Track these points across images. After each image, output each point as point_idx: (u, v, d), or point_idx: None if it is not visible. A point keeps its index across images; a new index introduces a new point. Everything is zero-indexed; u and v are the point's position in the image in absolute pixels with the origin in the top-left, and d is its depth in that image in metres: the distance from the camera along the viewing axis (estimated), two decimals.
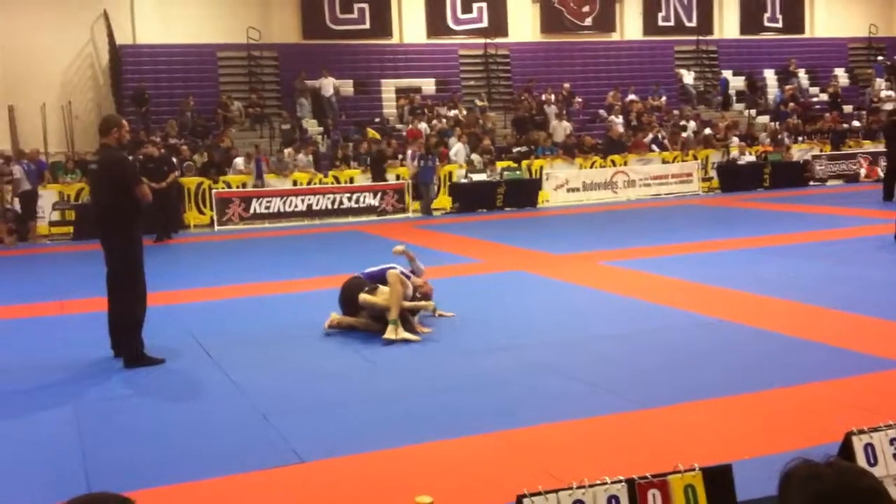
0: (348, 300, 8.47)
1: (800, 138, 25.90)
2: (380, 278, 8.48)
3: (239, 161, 20.86)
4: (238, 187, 20.33)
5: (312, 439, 5.41)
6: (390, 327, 7.94)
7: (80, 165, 19.81)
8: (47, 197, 19.01)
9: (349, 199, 20.58)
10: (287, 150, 21.52)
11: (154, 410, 6.31)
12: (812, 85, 29.90)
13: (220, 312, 9.79)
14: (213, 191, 19.73)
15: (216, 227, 19.33)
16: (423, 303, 8.64)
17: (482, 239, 15.59)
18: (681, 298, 9.38)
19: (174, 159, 19.43)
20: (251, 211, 19.82)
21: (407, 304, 8.30)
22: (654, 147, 24.18)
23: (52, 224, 18.80)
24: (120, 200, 7.55)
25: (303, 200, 20.30)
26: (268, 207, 19.99)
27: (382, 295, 8.19)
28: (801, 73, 29.94)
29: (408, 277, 8.58)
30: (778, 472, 1.87)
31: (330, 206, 20.38)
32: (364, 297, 8.26)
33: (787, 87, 28.56)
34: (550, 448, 5.14)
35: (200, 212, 19.99)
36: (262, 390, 6.56)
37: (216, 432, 5.70)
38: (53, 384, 7.02)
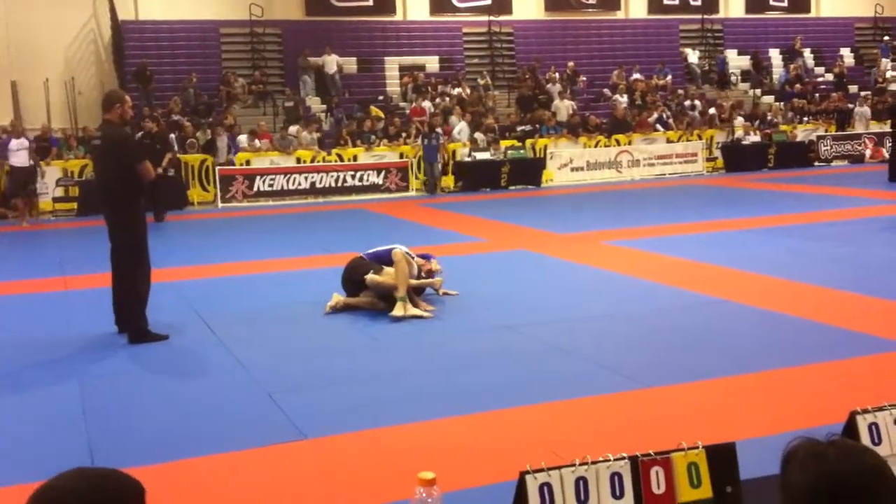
0: (352, 281, 8.46)
1: (805, 118, 25.81)
2: (385, 259, 8.47)
3: (243, 138, 20.82)
4: (241, 164, 20.30)
5: (316, 416, 5.43)
6: (399, 304, 7.95)
7: (83, 142, 19.79)
8: (51, 173, 19.00)
9: (353, 176, 20.57)
10: (293, 128, 21.47)
11: (158, 387, 6.33)
12: (817, 65, 29.75)
13: (225, 289, 9.81)
14: (217, 168, 19.72)
15: (220, 205, 19.33)
16: (429, 280, 8.66)
17: (486, 218, 15.59)
18: (685, 278, 9.37)
19: (173, 136, 19.40)
20: (255, 188, 19.81)
21: (413, 282, 8.31)
22: (658, 126, 24.10)
23: (55, 200, 18.80)
24: (123, 177, 7.54)
25: (306, 178, 20.28)
26: (271, 185, 19.98)
27: (388, 275, 8.19)
28: (807, 53, 29.78)
29: (412, 257, 8.59)
30: (781, 451, 1.87)
31: (333, 184, 20.37)
32: (371, 277, 8.25)
33: (792, 65, 28.42)
34: (554, 426, 5.16)
35: (204, 189, 19.98)
36: (265, 367, 6.58)
37: (220, 409, 5.72)
38: (57, 360, 7.05)
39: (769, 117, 25.16)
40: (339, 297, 8.45)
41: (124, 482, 1.70)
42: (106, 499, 1.63)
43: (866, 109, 25.32)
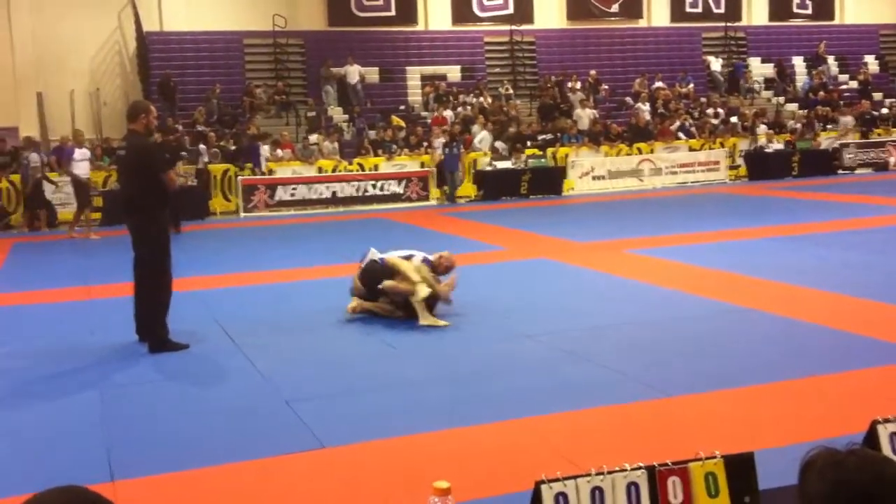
0: (368, 285, 8.47)
1: (828, 126, 25.61)
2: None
3: (265, 149, 20.89)
4: (264, 174, 20.38)
5: (334, 425, 5.42)
6: (420, 301, 8.00)
7: (108, 152, 19.93)
8: None
9: (374, 186, 20.60)
10: (313, 136, 21.56)
11: (178, 395, 6.35)
12: (842, 72, 29.53)
13: (245, 298, 9.83)
14: (239, 178, 19.82)
15: (242, 214, 19.42)
16: (445, 283, 8.56)
17: (506, 226, 15.55)
18: (707, 287, 9.30)
19: (203, 146, 19.52)
20: (276, 198, 19.89)
21: (429, 276, 8.29)
22: (680, 135, 23.99)
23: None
24: (147, 186, 7.57)
25: (328, 187, 20.34)
26: (293, 194, 20.05)
27: (405, 281, 8.19)
28: (831, 60, 29.56)
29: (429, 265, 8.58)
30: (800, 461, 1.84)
31: (354, 194, 20.42)
32: (388, 283, 8.26)
33: (815, 72, 28.22)
34: (571, 436, 5.12)
35: (226, 199, 20.09)
36: (284, 375, 6.58)
37: (239, 417, 5.73)
38: (78, 368, 7.08)
39: (811, 125, 24.95)
40: (358, 301, 8.45)
41: None
42: None
43: (849, 119, 25.01)
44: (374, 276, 8.43)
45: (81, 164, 16.67)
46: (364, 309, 8.42)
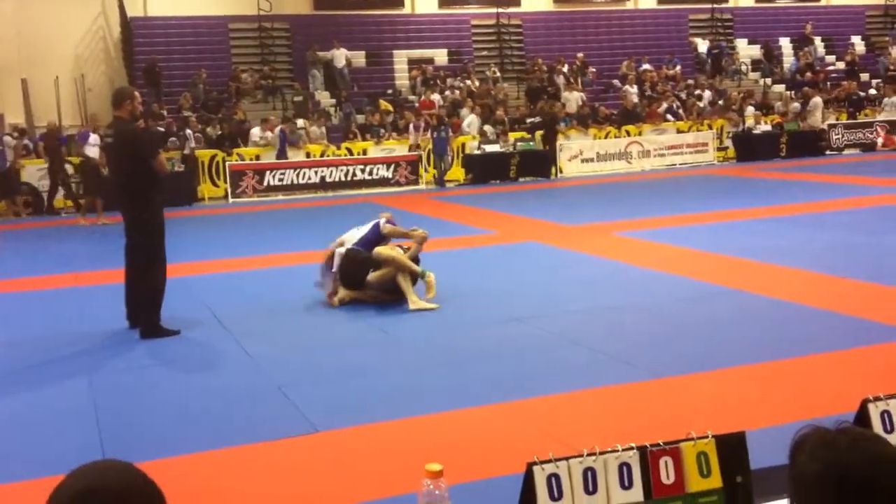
0: (352, 276, 8.44)
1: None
2: (376, 241, 8.54)
3: (255, 131, 20.72)
4: (252, 159, 20.32)
5: (326, 409, 5.44)
6: (410, 291, 8.07)
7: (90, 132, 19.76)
8: None
9: (362, 170, 20.54)
10: (300, 121, 21.45)
11: (169, 381, 6.35)
12: (828, 53, 29.55)
13: (235, 284, 9.82)
14: (227, 163, 19.75)
15: (230, 200, 19.36)
16: (415, 238, 8.67)
17: (495, 210, 15.56)
18: (695, 268, 9.33)
19: (189, 131, 19.40)
20: (265, 183, 19.83)
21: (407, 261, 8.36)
22: (668, 117, 23.99)
23: (67, 197, 18.84)
24: (138, 172, 7.54)
25: (316, 172, 20.28)
26: (281, 180, 19.99)
27: (387, 268, 8.20)
28: (818, 41, 29.58)
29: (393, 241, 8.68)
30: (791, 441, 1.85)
31: (343, 178, 20.36)
32: (372, 276, 8.31)
33: (802, 53, 28.21)
34: (562, 418, 5.14)
35: (214, 184, 20.02)
36: (276, 361, 6.58)
37: (231, 403, 5.73)
38: (69, 355, 7.07)
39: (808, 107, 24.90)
40: (343, 292, 8.45)
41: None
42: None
43: (818, 100, 24.94)
44: (357, 271, 8.41)
45: (93, 149, 16.51)
46: (352, 298, 8.42)
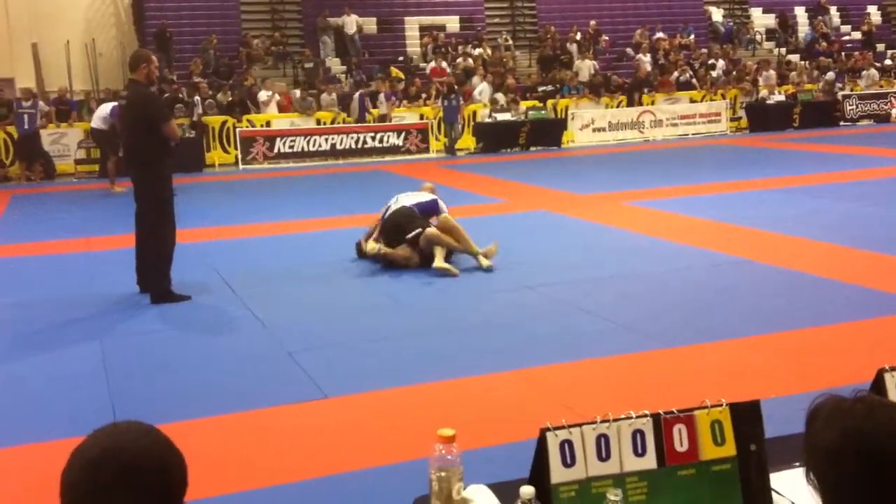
0: (399, 230, 8.45)
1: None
2: (431, 211, 8.64)
3: (262, 95, 20.61)
4: (262, 126, 20.27)
5: (336, 375, 5.44)
6: (440, 260, 8.13)
7: (102, 104, 19.75)
8: (73, 135, 19.09)
9: (373, 138, 20.48)
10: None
11: (180, 346, 6.37)
12: (844, 23, 29.23)
13: (246, 250, 9.83)
14: (238, 130, 19.71)
15: (240, 166, 19.34)
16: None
17: (506, 179, 15.50)
18: (707, 238, 9.29)
19: (197, 98, 19.33)
20: (275, 150, 19.80)
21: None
22: (692, 81, 23.75)
23: (77, 162, 18.87)
24: (149, 137, 7.51)
25: (326, 140, 20.23)
26: (291, 147, 19.95)
27: (446, 235, 8.30)
28: (833, 11, 29.24)
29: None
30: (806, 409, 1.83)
31: (353, 146, 20.31)
32: (431, 231, 8.30)
33: (817, 21, 27.91)
34: (572, 386, 5.14)
35: (225, 151, 19.99)
36: (286, 327, 6.59)
37: (241, 368, 5.75)
38: (80, 319, 7.09)
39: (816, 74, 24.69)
40: (375, 245, 8.43)
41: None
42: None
43: (831, 74, 24.55)
44: (406, 225, 8.44)
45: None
46: (382, 254, 8.40)
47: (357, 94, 20.69)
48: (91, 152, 18.94)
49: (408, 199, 8.83)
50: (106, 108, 16.20)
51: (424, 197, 8.89)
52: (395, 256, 8.36)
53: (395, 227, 8.51)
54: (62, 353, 6.22)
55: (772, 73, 24.04)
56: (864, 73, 25.04)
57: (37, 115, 17.90)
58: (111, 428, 1.59)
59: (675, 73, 23.93)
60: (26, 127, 17.67)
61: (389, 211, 8.69)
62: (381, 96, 21.00)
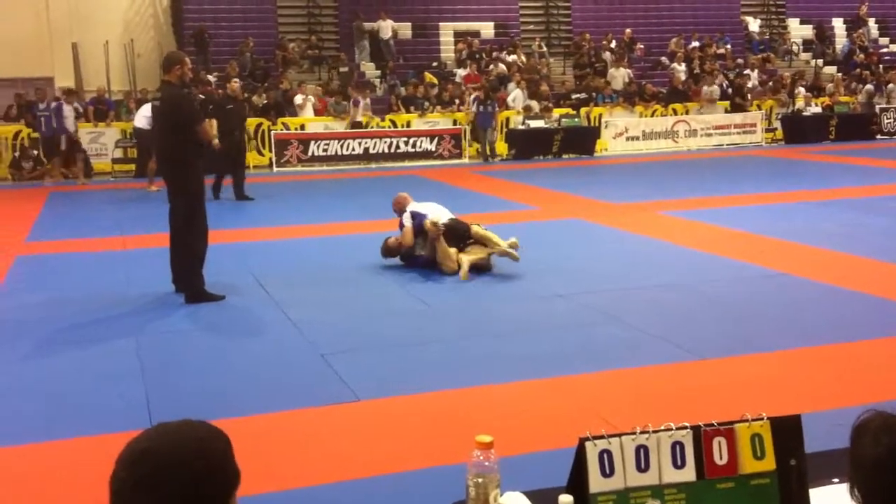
0: (456, 232, 8.64)
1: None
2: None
3: (298, 98, 20.73)
4: (296, 129, 20.38)
5: (368, 378, 5.46)
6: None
7: (142, 104, 19.95)
8: (110, 134, 19.31)
9: (406, 143, 20.53)
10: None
11: (214, 345, 6.42)
12: (882, 35, 28.91)
13: (280, 252, 9.88)
14: (272, 132, 19.84)
15: (275, 169, 19.46)
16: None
17: (539, 186, 15.47)
18: (742, 250, 9.22)
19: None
20: (309, 153, 19.90)
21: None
22: (716, 94, 23.58)
23: (114, 161, 19.08)
24: (181, 138, 7.58)
25: (360, 144, 20.30)
26: (325, 150, 20.04)
27: (478, 246, 8.56)
28: (872, 23, 28.92)
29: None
30: (849, 425, 1.82)
31: (387, 150, 20.37)
32: (477, 229, 8.57)
33: (856, 34, 27.61)
34: (606, 395, 5.12)
35: (260, 153, 20.12)
36: (319, 329, 6.62)
37: (274, 369, 5.78)
38: (116, 317, 7.17)
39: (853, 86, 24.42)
40: (463, 256, 8.52)
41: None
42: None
43: (870, 87, 24.23)
44: (461, 232, 8.65)
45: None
46: (442, 231, 8.54)
47: (473, 97, 20.85)
48: (128, 152, 19.14)
49: (438, 210, 9.05)
50: (149, 108, 16.29)
51: (446, 212, 9.10)
52: (479, 260, 8.48)
53: (453, 231, 8.66)
54: (98, 350, 6.29)
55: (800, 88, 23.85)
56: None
57: (62, 117, 17.83)
58: (161, 427, 1.61)
59: (705, 87, 23.63)
60: (44, 129, 17.70)
61: (441, 220, 8.77)
62: (351, 102, 20.67)
